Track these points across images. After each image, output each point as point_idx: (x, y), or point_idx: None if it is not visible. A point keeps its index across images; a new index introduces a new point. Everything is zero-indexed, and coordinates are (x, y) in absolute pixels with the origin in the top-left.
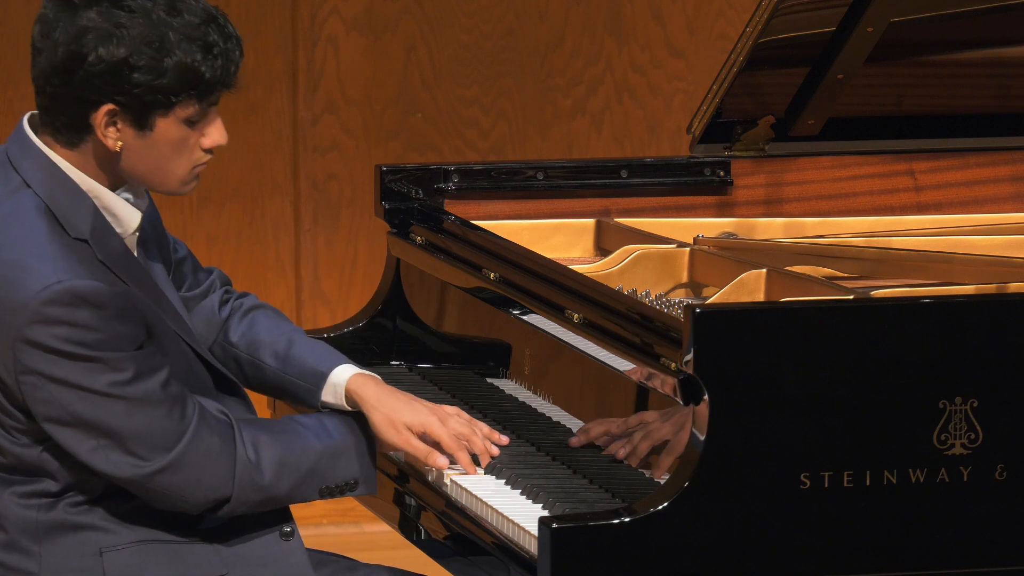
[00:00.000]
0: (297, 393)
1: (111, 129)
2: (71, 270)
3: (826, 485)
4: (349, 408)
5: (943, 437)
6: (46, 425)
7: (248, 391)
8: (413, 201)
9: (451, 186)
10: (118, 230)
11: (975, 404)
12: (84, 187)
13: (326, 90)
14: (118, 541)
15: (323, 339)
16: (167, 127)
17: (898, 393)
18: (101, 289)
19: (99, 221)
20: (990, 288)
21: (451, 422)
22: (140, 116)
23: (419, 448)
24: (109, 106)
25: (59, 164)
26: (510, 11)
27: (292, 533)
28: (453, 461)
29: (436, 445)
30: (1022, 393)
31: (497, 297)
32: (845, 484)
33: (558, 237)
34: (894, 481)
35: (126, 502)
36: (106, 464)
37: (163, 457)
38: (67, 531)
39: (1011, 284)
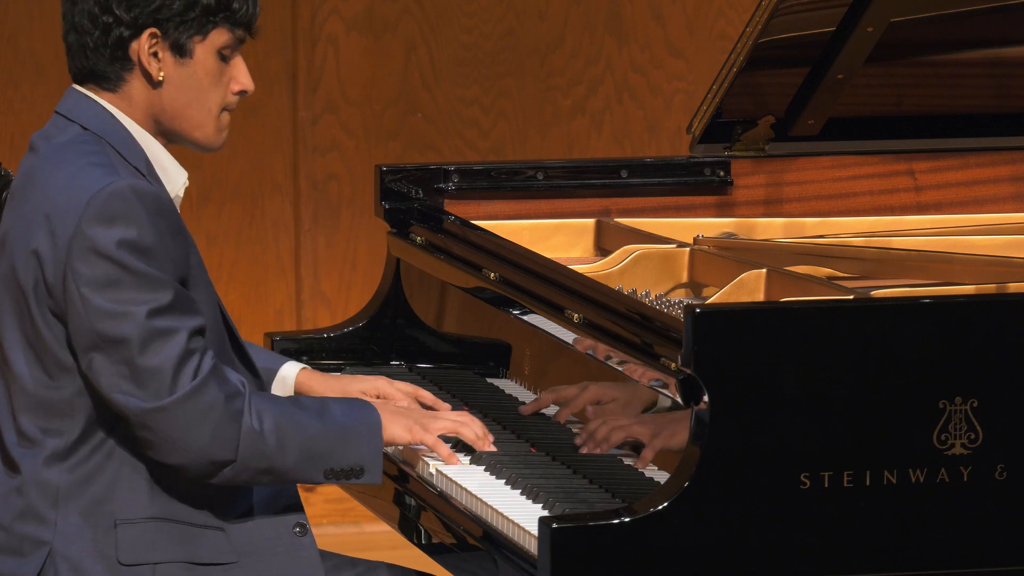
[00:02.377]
0: None
1: (153, 59)
2: (134, 175)
3: (826, 485)
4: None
5: (943, 437)
6: (79, 348)
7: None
8: (413, 201)
9: (451, 186)
10: (166, 186)
11: (975, 404)
12: (137, 136)
13: (326, 90)
14: (133, 514)
15: (323, 339)
16: (204, 55)
17: (898, 393)
18: (162, 195)
19: (151, 169)
20: (990, 288)
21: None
22: (179, 40)
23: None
24: (151, 29)
25: (111, 110)
26: (510, 11)
27: (305, 530)
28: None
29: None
30: (1022, 393)
31: (497, 297)
32: (845, 484)
33: (558, 237)
34: (894, 481)
35: (145, 476)
36: (118, 393)
37: (166, 397)
38: (84, 498)
39: (1011, 284)
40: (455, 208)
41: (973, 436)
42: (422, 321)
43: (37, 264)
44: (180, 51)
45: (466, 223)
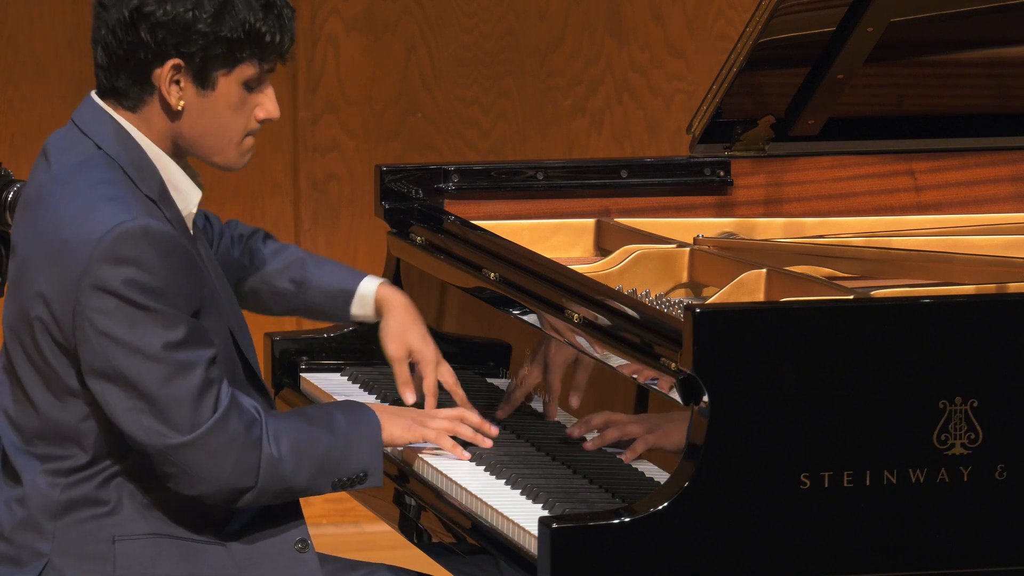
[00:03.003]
0: (324, 311)
1: (174, 87)
2: (145, 212)
3: (826, 485)
4: (377, 317)
5: (943, 437)
6: (90, 380)
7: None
8: (413, 201)
9: (451, 186)
10: (179, 206)
11: (975, 404)
12: (151, 155)
13: (326, 90)
14: (133, 530)
15: (323, 339)
16: (227, 87)
17: (898, 393)
18: (173, 235)
19: (164, 190)
20: (990, 288)
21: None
22: (202, 72)
23: (400, 374)
24: (174, 60)
25: (128, 129)
26: (510, 11)
27: (306, 547)
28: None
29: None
30: (1022, 393)
31: (497, 297)
32: (845, 484)
33: (558, 237)
34: (894, 481)
35: (147, 493)
36: (137, 428)
37: (190, 432)
38: (84, 513)
39: (1011, 284)
40: (455, 208)
41: (973, 436)
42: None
43: (44, 299)
44: (203, 83)
45: (466, 223)
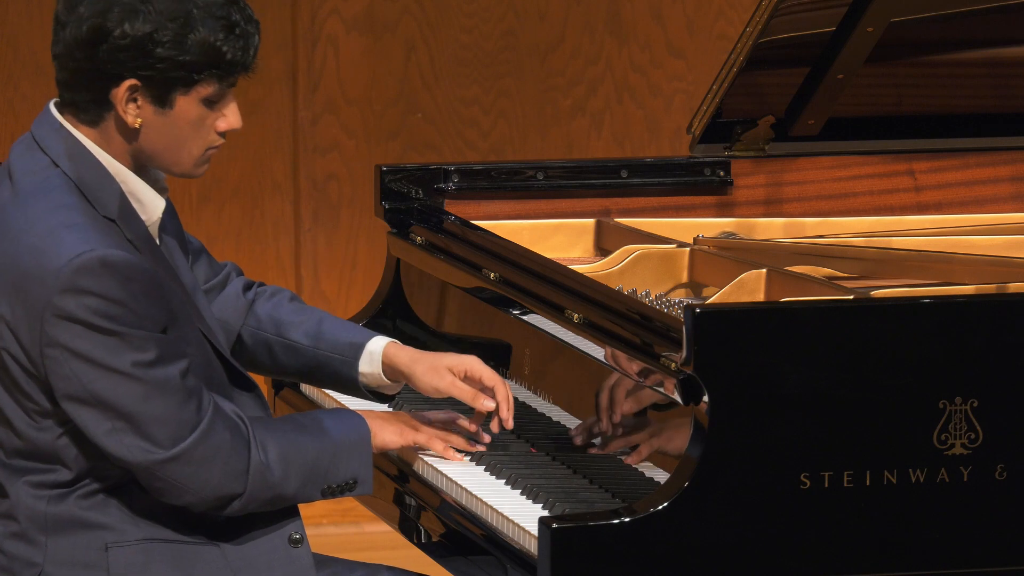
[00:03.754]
0: (333, 367)
1: (131, 105)
2: (104, 241)
3: (826, 485)
4: (386, 378)
5: (943, 437)
6: (65, 403)
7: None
8: (413, 201)
9: (451, 186)
10: (142, 216)
11: (975, 404)
12: (111, 170)
13: (326, 90)
14: (125, 538)
15: None
16: (186, 106)
17: (898, 393)
18: (133, 261)
19: (125, 204)
20: (990, 288)
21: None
22: (161, 93)
23: (465, 390)
24: (131, 81)
25: (85, 144)
26: (510, 11)
27: (301, 540)
28: (486, 423)
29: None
30: (1022, 393)
31: (497, 297)
32: (845, 484)
33: (558, 237)
34: (894, 481)
35: (136, 500)
36: (120, 448)
37: (176, 446)
38: (74, 525)
39: (1011, 284)
40: (455, 208)
41: (973, 436)
42: (422, 321)
43: (9, 327)
44: (161, 102)
45: (466, 223)
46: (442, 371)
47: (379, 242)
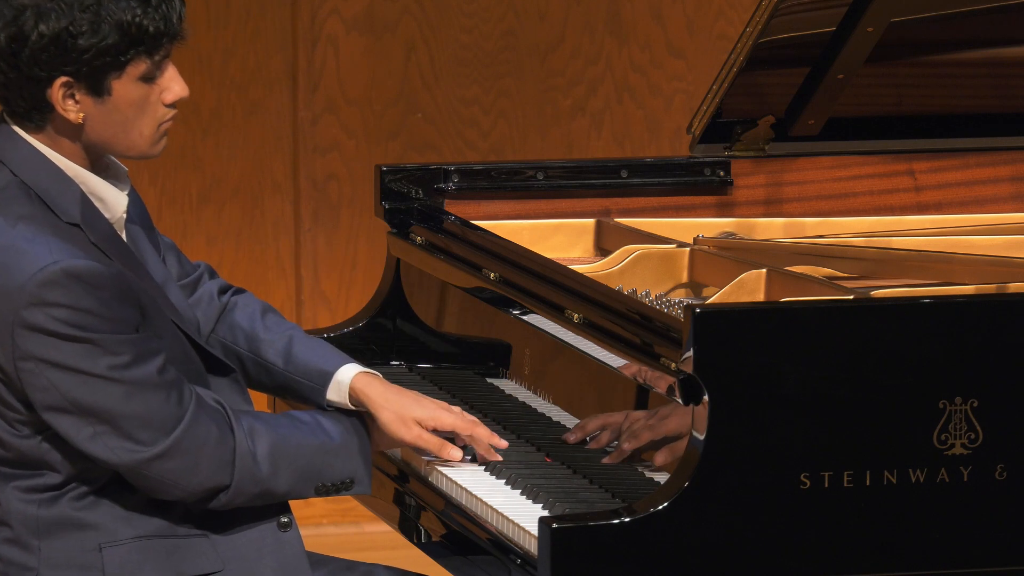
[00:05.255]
0: (301, 392)
1: (70, 102)
2: (66, 251)
3: (826, 485)
4: (352, 407)
5: (943, 437)
6: (44, 414)
7: (250, 390)
8: (413, 201)
9: (451, 186)
10: (106, 215)
11: (975, 404)
12: (69, 173)
13: (326, 90)
14: (117, 537)
15: (323, 339)
16: (124, 89)
17: (898, 393)
18: (98, 269)
19: (87, 206)
20: (990, 288)
21: (457, 414)
22: (94, 83)
23: (432, 442)
24: (62, 79)
25: (41, 150)
26: (510, 11)
27: (289, 524)
28: (466, 454)
29: (447, 438)
30: (1022, 393)
31: (497, 297)
32: (845, 484)
33: (558, 237)
34: (894, 481)
35: (126, 499)
36: (104, 451)
37: (161, 442)
38: (67, 527)
39: (1011, 284)
40: (455, 208)
41: (973, 436)
42: (422, 321)
43: None
44: (98, 91)
45: (466, 223)
46: (409, 423)
47: (379, 242)
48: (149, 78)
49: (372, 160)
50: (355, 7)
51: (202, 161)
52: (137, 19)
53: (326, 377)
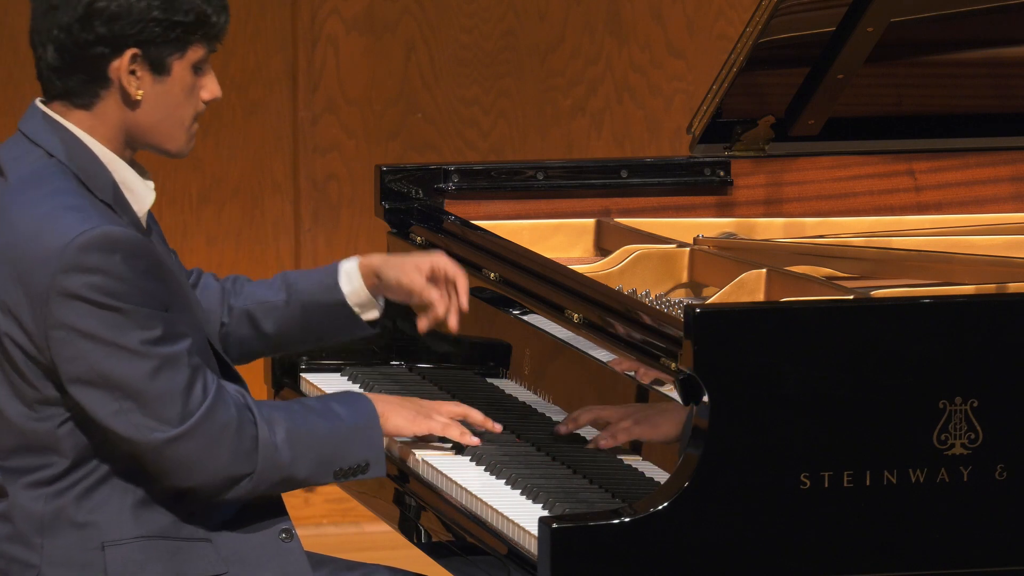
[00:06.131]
0: (316, 301)
1: (132, 77)
2: (106, 218)
3: (826, 485)
4: (367, 291)
5: (943, 437)
6: (71, 387)
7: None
8: (413, 201)
9: (451, 186)
10: (134, 207)
11: (975, 404)
12: (104, 159)
13: (326, 90)
14: (120, 536)
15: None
16: (181, 72)
17: (898, 393)
18: (137, 238)
19: (119, 193)
20: (990, 288)
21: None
22: (159, 59)
23: (433, 292)
24: (132, 51)
25: (78, 134)
26: (510, 11)
27: (291, 534)
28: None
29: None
30: (1022, 393)
31: (497, 297)
32: (845, 484)
33: (558, 237)
34: (894, 481)
35: (130, 498)
36: (128, 428)
37: (184, 423)
38: (70, 525)
39: (1011, 284)
40: (455, 208)
41: (973, 436)
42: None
43: (11, 313)
44: (160, 70)
45: (466, 223)
46: (410, 269)
47: (379, 242)
48: (199, 68)
49: (372, 160)
50: (355, 7)
51: (202, 161)
52: (204, 5)
53: (333, 274)
